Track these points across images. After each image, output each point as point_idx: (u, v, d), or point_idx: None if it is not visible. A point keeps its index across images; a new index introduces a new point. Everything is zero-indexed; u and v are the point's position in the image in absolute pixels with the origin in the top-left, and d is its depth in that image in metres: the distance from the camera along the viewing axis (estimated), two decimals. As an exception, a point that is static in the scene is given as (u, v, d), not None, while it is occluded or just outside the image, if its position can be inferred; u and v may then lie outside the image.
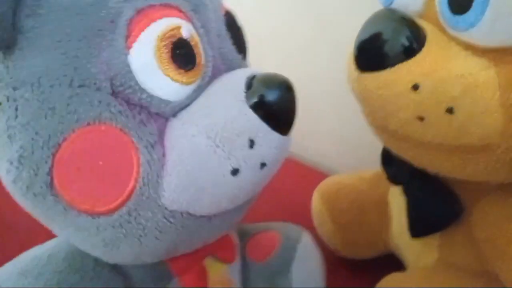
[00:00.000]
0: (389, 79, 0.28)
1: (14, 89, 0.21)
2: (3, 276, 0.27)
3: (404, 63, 0.27)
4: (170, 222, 0.24)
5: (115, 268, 0.28)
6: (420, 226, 0.36)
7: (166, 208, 0.23)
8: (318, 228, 0.46)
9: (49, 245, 0.29)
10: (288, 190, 0.60)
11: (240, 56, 0.28)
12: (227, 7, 0.29)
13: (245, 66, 0.29)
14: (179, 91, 0.24)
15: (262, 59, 0.69)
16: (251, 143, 0.24)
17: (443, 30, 0.28)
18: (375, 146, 0.43)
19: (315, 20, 0.62)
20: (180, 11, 0.24)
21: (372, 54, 0.29)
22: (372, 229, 0.43)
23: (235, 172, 0.23)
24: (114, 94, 0.22)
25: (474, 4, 0.24)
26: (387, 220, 0.43)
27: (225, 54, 0.27)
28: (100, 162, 0.22)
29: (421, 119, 0.27)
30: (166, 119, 0.24)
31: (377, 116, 0.31)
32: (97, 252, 0.25)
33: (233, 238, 0.35)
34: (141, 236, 0.24)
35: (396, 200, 0.41)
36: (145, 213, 0.23)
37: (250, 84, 0.25)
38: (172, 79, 0.23)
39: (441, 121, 0.26)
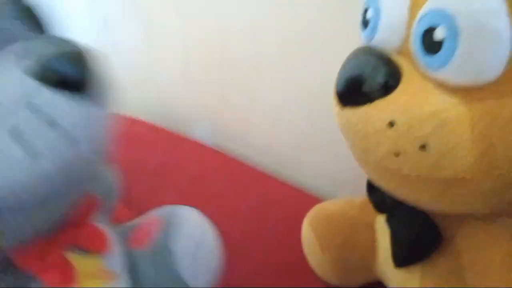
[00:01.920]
0: (367, 115, 0.29)
1: None
2: None
3: (381, 100, 0.28)
4: None
5: None
6: (402, 256, 0.36)
7: None
8: (308, 255, 0.47)
9: None
10: (283, 214, 0.61)
11: (30, 34, 0.27)
12: None
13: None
14: None
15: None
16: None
17: (418, 68, 0.29)
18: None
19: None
20: None
21: (351, 91, 0.30)
22: (360, 256, 0.44)
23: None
24: None
25: (444, 45, 0.26)
26: (374, 247, 0.43)
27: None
28: None
29: (397, 154, 0.28)
30: None
31: (357, 150, 0.32)
32: None
33: (99, 227, 0.34)
34: None
35: (383, 227, 0.42)
36: None
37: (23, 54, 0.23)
38: None
39: (415, 157, 0.27)
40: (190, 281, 0.37)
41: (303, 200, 0.64)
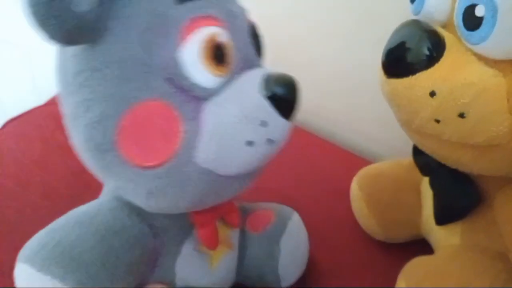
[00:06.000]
0: (410, 86, 0.32)
1: (95, 70, 0.29)
2: (60, 225, 0.33)
3: (424, 72, 0.31)
4: (199, 178, 0.31)
5: (144, 220, 0.36)
6: (443, 215, 0.39)
7: (198, 166, 0.30)
8: (355, 213, 0.51)
9: (95, 203, 0.36)
10: (331, 174, 0.65)
11: (259, 59, 0.35)
12: (251, 20, 0.35)
13: (261, 66, 0.36)
14: (213, 81, 0.30)
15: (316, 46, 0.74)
16: (264, 123, 0.30)
17: (461, 40, 0.31)
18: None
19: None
20: (219, 21, 0.30)
21: (397, 63, 0.33)
22: (404, 214, 0.47)
23: (250, 143, 0.30)
24: (167, 80, 0.29)
25: (484, 22, 0.28)
26: (419, 206, 0.46)
27: (248, 57, 0.34)
28: (153, 129, 0.29)
29: (438, 121, 0.31)
30: (203, 101, 0.30)
31: (402, 115, 0.34)
32: (140, 200, 0.32)
33: (238, 208, 0.43)
34: (177, 187, 0.30)
35: (427, 188, 0.45)
36: (182, 168, 0.30)
37: (265, 80, 0.31)
38: (210, 72, 0.30)
39: (454, 124, 0.30)
40: (283, 278, 0.44)
41: (353, 161, 0.68)
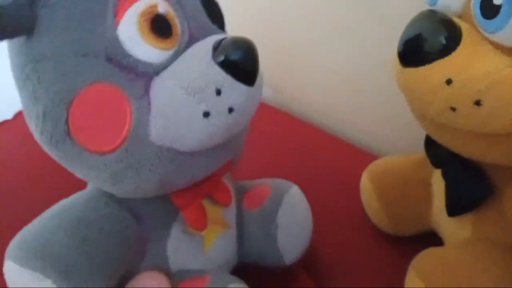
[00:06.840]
0: (426, 74, 0.32)
1: (36, 62, 0.28)
2: (39, 220, 0.33)
3: (440, 60, 0.31)
4: (158, 156, 0.30)
5: (125, 207, 0.35)
6: (456, 206, 0.40)
7: (154, 144, 0.29)
8: (365, 205, 0.51)
9: (74, 196, 0.36)
10: (340, 169, 0.65)
11: (215, 26, 0.34)
12: None
13: (219, 33, 0.34)
14: (159, 55, 0.29)
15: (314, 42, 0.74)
16: (218, 92, 0.29)
17: (477, 30, 0.31)
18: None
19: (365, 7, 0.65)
20: None
21: (413, 52, 0.33)
22: (414, 207, 0.47)
23: (206, 114, 0.29)
24: (109, 60, 0.28)
25: (501, 11, 0.28)
26: (429, 199, 0.46)
27: (202, 26, 0.33)
28: (103, 112, 0.29)
29: (453, 109, 0.31)
30: (151, 77, 0.29)
31: (416, 105, 0.35)
32: (107, 186, 0.32)
33: (228, 185, 0.42)
34: (137, 168, 0.30)
35: (439, 180, 0.45)
36: (138, 148, 0.29)
37: (218, 46, 0.30)
38: (153, 46, 0.29)
39: (470, 111, 0.30)
40: (285, 254, 0.43)
41: (360, 156, 0.68)
